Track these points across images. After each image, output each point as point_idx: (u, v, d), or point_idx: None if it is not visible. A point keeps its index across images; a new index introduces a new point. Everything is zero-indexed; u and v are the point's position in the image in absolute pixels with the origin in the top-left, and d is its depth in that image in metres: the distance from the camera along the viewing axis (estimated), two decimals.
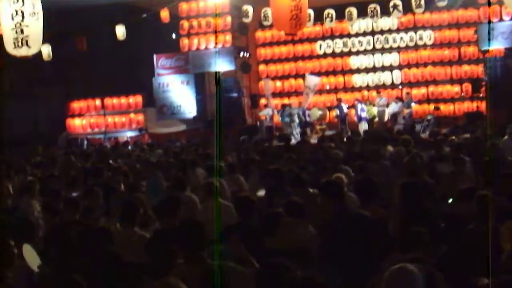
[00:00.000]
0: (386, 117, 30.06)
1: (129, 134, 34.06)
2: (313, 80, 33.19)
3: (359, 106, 30.91)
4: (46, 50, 28.19)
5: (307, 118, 30.92)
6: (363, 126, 29.83)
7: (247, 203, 8.48)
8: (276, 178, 11.45)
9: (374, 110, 30.60)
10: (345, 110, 31.21)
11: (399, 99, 30.83)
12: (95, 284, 5.86)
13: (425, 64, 32.67)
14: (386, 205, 9.10)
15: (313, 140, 25.12)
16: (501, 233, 6.62)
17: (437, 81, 32.46)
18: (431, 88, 32.23)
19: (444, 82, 32.31)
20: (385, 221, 8.24)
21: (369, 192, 8.82)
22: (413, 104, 30.42)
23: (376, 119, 30.58)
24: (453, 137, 18.17)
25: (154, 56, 34.63)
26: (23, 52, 13.37)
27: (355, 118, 31.07)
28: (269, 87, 34.07)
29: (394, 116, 29.99)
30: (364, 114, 30.57)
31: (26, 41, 13.27)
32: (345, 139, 21.12)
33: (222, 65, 32.10)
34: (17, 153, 22.89)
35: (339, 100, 31.92)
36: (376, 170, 12.54)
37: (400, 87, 32.90)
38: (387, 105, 30.32)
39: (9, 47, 13.53)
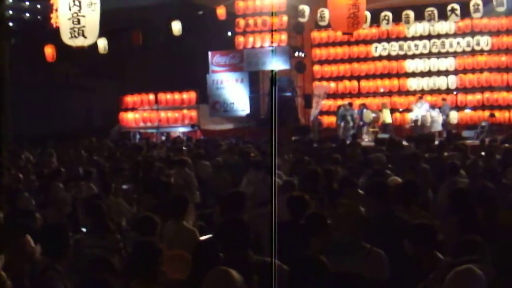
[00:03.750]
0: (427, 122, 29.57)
1: (181, 129, 34.20)
2: (321, 88, 33.09)
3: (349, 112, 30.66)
4: (102, 44, 28.43)
5: (361, 120, 30.72)
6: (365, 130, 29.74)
7: (300, 203, 8.46)
8: (327, 179, 11.44)
9: (370, 115, 30.46)
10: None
11: (432, 106, 30.23)
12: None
13: (481, 70, 32.14)
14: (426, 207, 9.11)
15: (365, 142, 25.00)
16: None
17: (493, 87, 31.94)
18: (487, 95, 31.75)
19: (500, 88, 31.79)
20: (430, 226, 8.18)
21: (410, 194, 8.83)
22: (449, 111, 30.06)
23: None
24: (507, 145, 17.94)
25: (209, 53, 34.71)
26: (79, 42, 13.48)
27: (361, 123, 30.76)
28: (320, 91, 33.85)
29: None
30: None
31: (83, 32, 13.39)
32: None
33: (277, 64, 32.07)
34: (70, 145, 23.10)
35: (363, 105, 31.63)
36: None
37: (455, 92, 32.47)
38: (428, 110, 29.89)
39: (65, 37, 13.66)
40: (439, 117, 29.14)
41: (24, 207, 11.00)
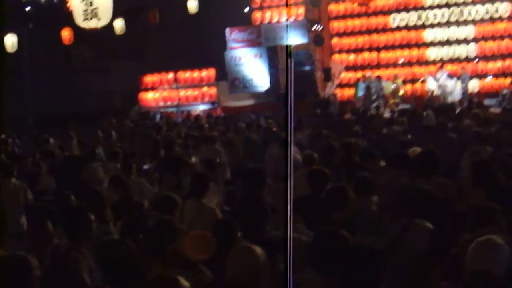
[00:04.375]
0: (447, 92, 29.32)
1: (201, 107, 34.18)
2: (337, 68, 32.86)
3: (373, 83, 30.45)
4: (120, 24, 28.39)
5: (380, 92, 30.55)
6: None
7: (320, 176, 8.42)
8: (346, 151, 11.40)
9: (390, 86, 30.24)
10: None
11: (450, 76, 29.97)
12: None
13: (501, 37, 31.84)
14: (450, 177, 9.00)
15: (387, 114, 24.88)
16: None
17: None
18: (507, 62, 31.42)
19: None
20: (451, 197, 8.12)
21: (431, 164, 8.72)
22: (468, 80, 29.78)
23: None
24: None
25: (227, 29, 34.59)
26: (92, 24, 13.46)
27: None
28: (335, 70, 33.65)
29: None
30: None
31: (96, 13, 13.36)
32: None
33: (294, 38, 31.91)
34: (91, 127, 23.12)
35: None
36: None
37: (475, 60, 32.15)
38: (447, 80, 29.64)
39: (79, 20, 13.65)
40: (458, 86, 28.95)
41: (46, 189, 11.06)
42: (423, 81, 31.59)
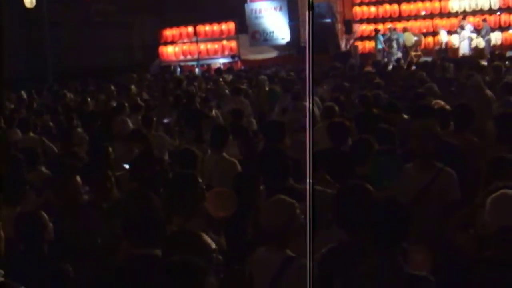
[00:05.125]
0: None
1: (221, 61, 34.05)
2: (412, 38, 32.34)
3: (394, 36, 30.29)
4: None
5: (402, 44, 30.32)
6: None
7: (341, 129, 8.35)
8: (364, 104, 11.32)
9: (412, 38, 30.01)
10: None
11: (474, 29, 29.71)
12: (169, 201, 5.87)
13: None
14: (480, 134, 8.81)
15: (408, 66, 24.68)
16: None
17: None
18: None
19: None
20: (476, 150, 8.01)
21: (464, 119, 8.55)
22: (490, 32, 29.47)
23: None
24: None
25: None
26: None
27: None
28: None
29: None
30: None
31: None
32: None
33: None
34: (112, 81, 23.12)
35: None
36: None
37: (498, 12, 31.71)
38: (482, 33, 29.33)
39: None
40: (479, 39, 28.73)
41: (79, 143, 11.06)
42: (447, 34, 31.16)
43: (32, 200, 7.21)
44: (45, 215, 5.68)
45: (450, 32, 31.02)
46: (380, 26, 32.77)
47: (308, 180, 2.97)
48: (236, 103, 14.66)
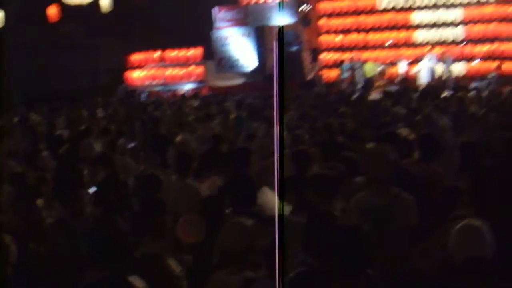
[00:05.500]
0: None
1: (188, 86, 34.08)
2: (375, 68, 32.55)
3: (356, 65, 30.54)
4: (107, 2, 28.26)
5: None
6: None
7: (303, 156, 8.41)
8: (329, 132, 11.43)
9: (376, 68, 30.31)
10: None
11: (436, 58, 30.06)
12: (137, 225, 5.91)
13: (489, 21, 31.84)
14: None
15: (372, 96, 24.90)
16: None
17: (501, 38, 31.61)
18: (494, 46, 31.45)
19: (509, 39, 31.44)
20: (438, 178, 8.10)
21: (429, 148, 8.67)
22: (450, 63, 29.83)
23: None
24: None
25: (214, 8, 34.47)
26: (78, 0, 13.36)
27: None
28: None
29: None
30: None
31: None
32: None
33: (282, 18, 31.81)
34: (77, 105, 23.05)
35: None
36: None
37: (462, 44, 32.14)
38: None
39: None
40: (441, 69, 29.09)
41: (44, 167, 11.03)
42: (411, 63, 31.48)
43: None
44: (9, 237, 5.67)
45: (414, 62, 31.35)
46: (346, 55, 33.03)
47: (277, 205, 3.03)
48: (205, 129, 14.72)
